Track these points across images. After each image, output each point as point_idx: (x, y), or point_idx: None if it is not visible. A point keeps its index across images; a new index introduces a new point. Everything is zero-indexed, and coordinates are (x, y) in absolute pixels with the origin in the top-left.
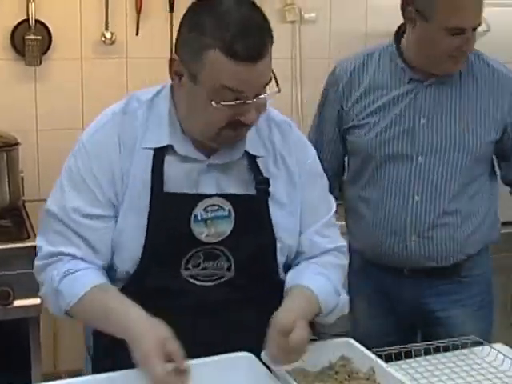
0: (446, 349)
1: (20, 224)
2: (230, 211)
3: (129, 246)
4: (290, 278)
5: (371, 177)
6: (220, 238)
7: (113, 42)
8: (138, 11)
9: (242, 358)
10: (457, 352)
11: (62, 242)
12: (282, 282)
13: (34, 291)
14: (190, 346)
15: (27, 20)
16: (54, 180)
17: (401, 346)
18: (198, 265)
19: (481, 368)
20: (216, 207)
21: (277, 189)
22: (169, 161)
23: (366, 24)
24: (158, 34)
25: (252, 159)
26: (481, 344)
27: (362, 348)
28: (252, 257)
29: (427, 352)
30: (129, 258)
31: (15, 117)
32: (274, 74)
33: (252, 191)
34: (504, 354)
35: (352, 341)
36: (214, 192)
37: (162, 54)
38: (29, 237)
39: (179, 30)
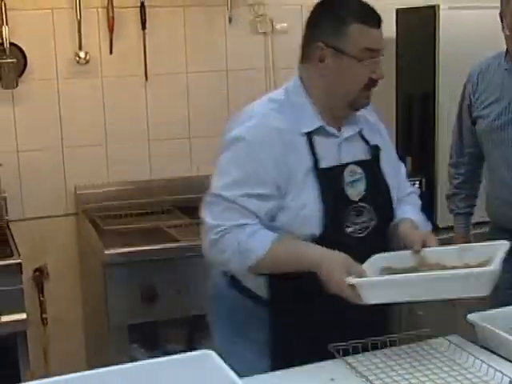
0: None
1: (4, 243)
2: (362, 174)
3: (310, 217)
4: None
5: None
6: (361, 196)
7: (87, 62)
8: (111, 30)
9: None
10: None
11: (236, 217)
12: None
13: (19, 306)
14: None
15: (1, 44)
16: (37, 199)
17: (358, 341)
18: (354, 221)
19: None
20: (353, 172)
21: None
22: (317, 140)
23: None
24: (132, 52)
25: (360, 131)
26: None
27: None
28: (381, 206)
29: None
30: (312, 227)
31: None
32: None
33: (368, 157)
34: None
35: None
36: (350, 160)
37: (136, 71)
38: (12, 255)
39: (312, 26)
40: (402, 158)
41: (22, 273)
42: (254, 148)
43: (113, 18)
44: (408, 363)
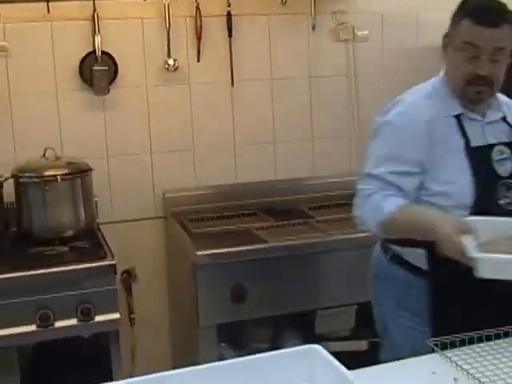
0: None
1: (96, 245)
2: (509, 154)
3: (462, 188)
4: None
5: None
6: (509, 173)
7: (176, 69)
8: (199, 38)
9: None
10: None
11: (381, 187)
12: None
13: (113, 306)
14: None
15: (93, 52)
16: (126, 202)
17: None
18: (504, 194)
19: None
20: (500, 152)
21: None
22: (465, 123)
23: (416, 39)
24: (218, 59)
25: (503, 118)
26: None
27: None
28: None
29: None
30: (465, 197)
31: (86, 144)
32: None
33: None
34: None
35: None
36: (495, 141)
37: (223, 77)
38: (106, 256)
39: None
40: None
41: (116, 273)
42: (400, 131)
43: (201, 26)
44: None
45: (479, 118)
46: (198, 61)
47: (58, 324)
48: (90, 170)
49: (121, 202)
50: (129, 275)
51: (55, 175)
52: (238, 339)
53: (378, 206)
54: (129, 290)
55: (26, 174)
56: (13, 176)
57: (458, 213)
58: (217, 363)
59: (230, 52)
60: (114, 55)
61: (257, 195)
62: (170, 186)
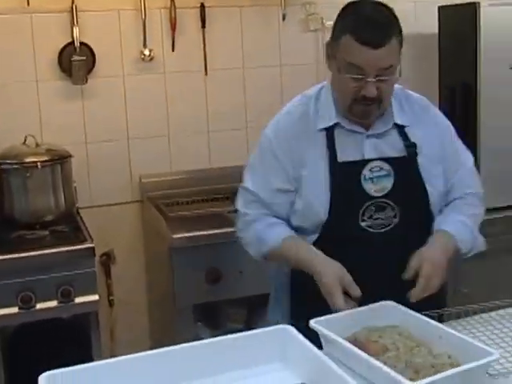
0: None
1: (76, 229)
2: (389, 171)
3: (318, 207)
4: (436, 224)
5: None
6: (384, 192)
7: (151, 59)
8: (173, 29)
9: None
10: None
11: (260, 208)
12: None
13: (92, 288)
14: (365, 278)
15: (72, 42)
16: (104, 187)
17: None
18: (371, 216)
19: None
20: (378, 168)
21: (424, 147)
22: (338, 136)
23: None
24: (192, 49)
25: (401, 128)
26: None
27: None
28: (411, 206)
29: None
30: (320, 216)
31: (66, 132)
32: (399, 64)
33: (404, 153)
34: None
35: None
36: (375, 156)
37: (197, 67)
38: (85, 239)
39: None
40: None
41: (94, 256)
42: (275, 146)
43: (175, 17)
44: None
45: (360, 130)
46: (173, 51)
47: (39, 306)
48: (70, 156)
49: (99, 187)
50: (108, 258)
51: (36, 162)
52: (214, 319)
53: (261, 238)
54: (108, 272)
55: (7, 161)
56: None
57: (315, 237)
58: (190, 344)
59: (204, 42)
60: (92, 46)
61: (230, 180)
62: (146, 171)
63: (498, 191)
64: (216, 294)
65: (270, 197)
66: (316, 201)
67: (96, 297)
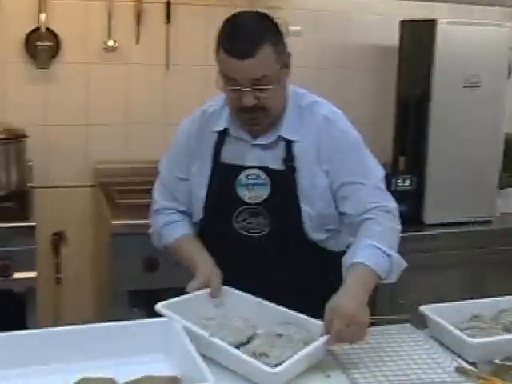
0: None
1: (23, 206)
2: (266, 180)
3: (198, 203)
4: (345, 259)
5: None
6: (259, 200)
7: (115, 49)
8: (138, 22)
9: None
10: None
11: (166, 196)
12: (313, 242)
13: (31, 265)
14: (241, 277)
15: (39, 28)
16: (61, 169)
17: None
18: (245, 220)
19: None
20: (255, 176)
21: (308, 165)
22: (227, 141)
23: (346, 37)
24: (156, 43)
25: (288, 142)
26: None
27: None
28: (283, 217)
29: None
30: (199, 212)
31: (27, 113)
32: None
33: (282, 167)
34: None
35: None
36: (255, 165)
37: (159, 60)
38: (29, 218)
39: None
40: (396, 157)
41: (35, 235)
42: (180, 138)
43: (141, 11)
44: None
45: (247, 138)
46: (137, 43)
47: None
48: (25, 136)
49: (56, 169)
50: (59, 237)
51: None
52: (150, 305)
53: (160, 234)
54: (57, 252)
55: None
56: None
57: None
58: (80, 326)
59: (167, 37)
60: (57, 33)
61: None
62: (102, 157)
63: (446, 207)
64: (152, 283)
65: (172, 183)
66: (196, 198)
67: (34, 274)
